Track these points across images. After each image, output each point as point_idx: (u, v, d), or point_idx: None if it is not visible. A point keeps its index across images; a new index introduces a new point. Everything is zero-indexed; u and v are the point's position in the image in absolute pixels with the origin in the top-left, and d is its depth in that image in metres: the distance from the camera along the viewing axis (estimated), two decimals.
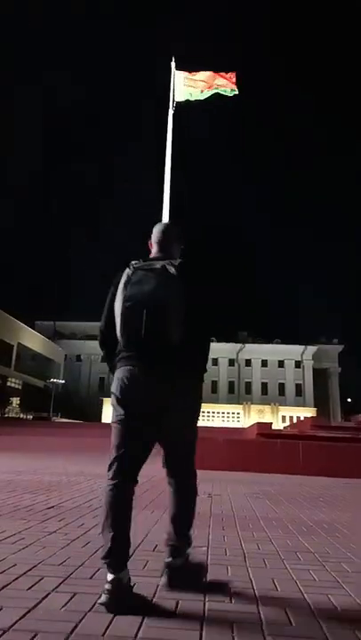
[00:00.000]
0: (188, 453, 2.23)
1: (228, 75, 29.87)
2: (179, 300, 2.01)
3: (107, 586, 1.89)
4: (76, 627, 1.70)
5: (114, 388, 2.11)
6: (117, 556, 1.94)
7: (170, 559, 2.15)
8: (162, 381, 2.03)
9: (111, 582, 1.89)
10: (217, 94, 29.85)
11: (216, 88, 29.91)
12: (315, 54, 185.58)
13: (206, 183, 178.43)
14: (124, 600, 1.87)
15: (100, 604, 1.86)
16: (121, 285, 2.12)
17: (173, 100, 32.10)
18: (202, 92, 29.99)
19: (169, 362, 2.02)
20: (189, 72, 31.16)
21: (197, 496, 2.25)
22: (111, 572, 1.91)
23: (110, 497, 2.01)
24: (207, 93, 30.01)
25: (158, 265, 2.12)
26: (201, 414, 2.27)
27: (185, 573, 2.15)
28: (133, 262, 2.18)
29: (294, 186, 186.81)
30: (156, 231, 2.38)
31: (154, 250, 2.37)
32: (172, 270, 2.08)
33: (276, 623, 1.82)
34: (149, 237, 2.41)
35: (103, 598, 1.87)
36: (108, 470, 2.07)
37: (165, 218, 31.35)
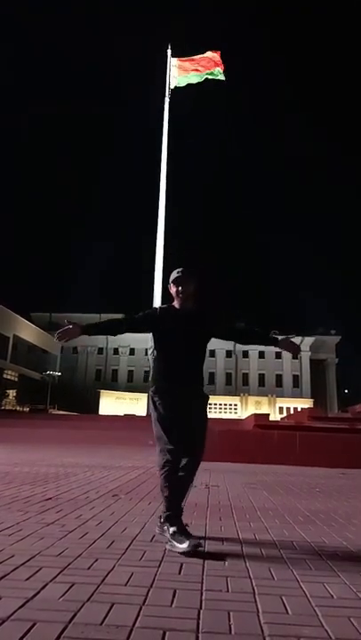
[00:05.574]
0: None
1: (213, 55, 30.22)
2: None
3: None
4: (74, 616, 1.71)
5: None
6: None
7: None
8: None
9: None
10: (207, 79, 30.07)
11: (205, 72, 30.20)
12: (314, 53, 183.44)
13: (205, 173, 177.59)
14: None
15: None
16: None
17: (169, 88, 32.01)
18: (193, 72, 30.21)
19: None
20: (181, 58, 31.28)
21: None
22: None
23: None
24: (197, 77, 30.18)
25: None
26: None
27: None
28: None
29: (293, 180, 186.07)
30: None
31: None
32: None
33: (273, 611, 1.83)
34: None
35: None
36: None
37: (162, 211, 31.12)
